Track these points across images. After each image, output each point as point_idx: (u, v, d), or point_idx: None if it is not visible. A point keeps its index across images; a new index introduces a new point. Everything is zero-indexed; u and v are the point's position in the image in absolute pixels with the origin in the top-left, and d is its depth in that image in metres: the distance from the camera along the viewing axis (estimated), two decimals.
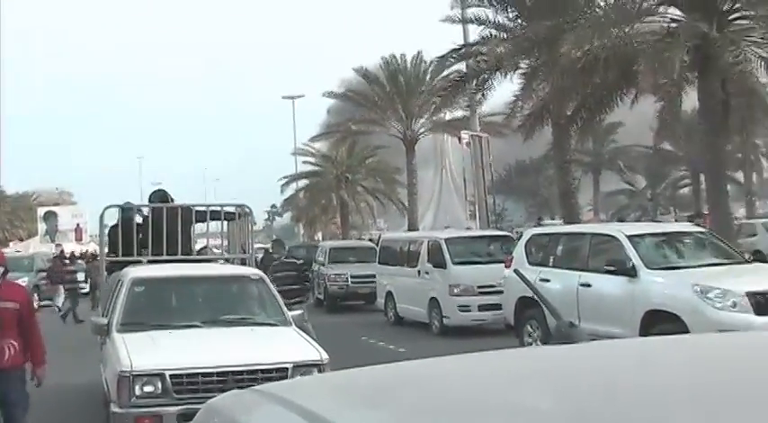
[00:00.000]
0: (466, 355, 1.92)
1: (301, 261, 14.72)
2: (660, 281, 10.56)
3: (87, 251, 40.70)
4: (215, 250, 13.64)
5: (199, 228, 12.25)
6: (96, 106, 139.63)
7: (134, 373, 7.22)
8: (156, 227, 10.43)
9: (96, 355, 9.54)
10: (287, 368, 7.29)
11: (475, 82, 24.21)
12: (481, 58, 23.73)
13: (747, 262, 11.82)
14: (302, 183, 47.77)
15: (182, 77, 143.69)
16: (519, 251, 13.45)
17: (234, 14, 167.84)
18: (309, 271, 14.39)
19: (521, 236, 15.02)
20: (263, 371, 7.17)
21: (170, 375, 7.22)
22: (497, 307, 13.94)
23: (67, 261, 27.92)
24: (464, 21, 24.62)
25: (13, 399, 6.86)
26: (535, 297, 3.31)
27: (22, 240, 58.31)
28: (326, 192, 45.06)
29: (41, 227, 58.60)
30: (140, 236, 10.81)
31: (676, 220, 33.70)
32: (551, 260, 12.77)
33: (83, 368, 11.20)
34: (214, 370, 7.28)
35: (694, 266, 11.05)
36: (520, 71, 22.90)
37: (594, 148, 47.84)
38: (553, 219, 44.63)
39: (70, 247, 47.16)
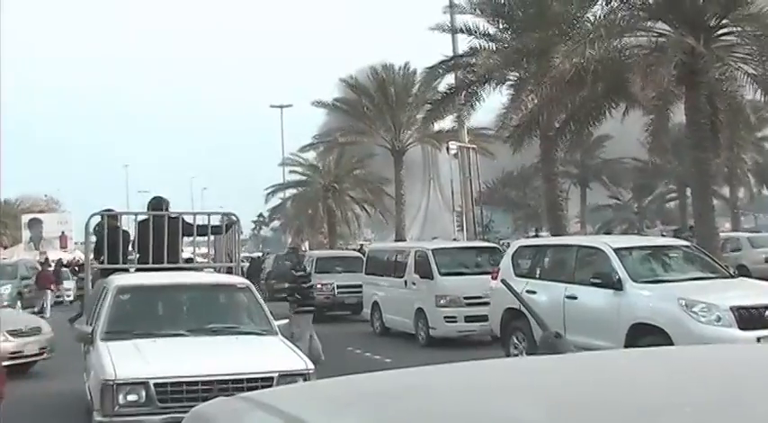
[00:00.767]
0: (452, 364, 1.92)
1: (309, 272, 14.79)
2: (646, 294, 10.60)
3: (75, 259, 40.53)
4: (200, 260, 13.62)
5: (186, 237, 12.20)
6: (82, 114, 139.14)
7: (118, 381, 7.18)
8: (143, 235, 10.39)
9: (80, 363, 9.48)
10: (272, 377, 7.27)
11: (464, 93, 24.31)
12: (470, 70, 23.83)
13: (732, 276, 11.89)
14: (290, 192, 47.72)
15: (169, 85, 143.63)
16: (506, 262, 13.48)
17: (223, 23, 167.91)
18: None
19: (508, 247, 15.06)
20: (248, 380, 7.14)
21: (154, 384, 7.18)
22: (484, 318, 13.94)
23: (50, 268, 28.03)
24: (453, 30, 24.74)
25: None
26: (522, 308, 3.32)
27: (6, 247, 57.91)
28: (314, 201, 45.03)
29: (26, 234, 58.25)
30: (128, 244, 10.78)
31: (662, 234, 33.84)
32: (538, 272, 12.81)
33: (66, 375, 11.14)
34: (199, 379, 7.25)
35: (680, 280, 11.11)
36: (509, 83, 23.01)
37: (582, 160, 48.06)
38: (540, 230, 44.79)
39: (56, 254, 46.90)
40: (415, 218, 61.48)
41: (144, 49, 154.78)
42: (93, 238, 11.35)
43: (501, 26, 23.64)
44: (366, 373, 1.95)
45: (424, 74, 29.47)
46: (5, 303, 20.34)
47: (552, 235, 22.79)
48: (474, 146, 26.47)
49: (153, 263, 10.19)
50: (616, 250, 11.29)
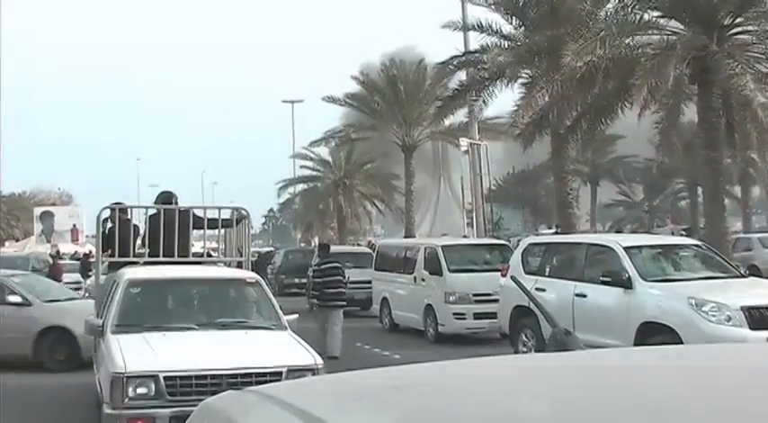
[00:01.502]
0: (461, 360, 1.92)
1: (339, 265, 14.92)
2: (655, 293, 10.57)
3: (90, 252, 40.73)
4: (212, 254, 13.66)
5: (196, 230, 12.24)
6: (95, 108, 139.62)
7: (127, 374, 7.21)
8: (154, 229, 10.42)
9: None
10: (281, 372, 7.29)
11: (475, 91, 24.28)
12: (482, 67, 23.78)
13: (743, 276, 11.84)
14: (300, 188, 47.78)
15: (181, 80, 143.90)
16: (515, 260, 13.46)
17: (235, 17, 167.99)
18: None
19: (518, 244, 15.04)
20: (257, 374, 7.16)
21: (164, 377, 7.21)
22: (493, 315, 13.93)
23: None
24: (465, 27, 24.69)
25: None
26: (531, 305, 3.32)
27: (18, 240, 58.24)
28: (324, 196, 45.06)
29: (38, 227, 58.56)
30: (138, 237, 10.82)
31: (672, 233, 33.71)
32: (547, 270, 12.78)
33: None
34: (208, 373, 7.28)
35: (690, 279, 11.07)
36: (521, 80, 22.95)
37: (593, 158, 47.93)
38: (550, 228, 44.66)
39: (67, 247, 47.15)
40: (425, 214, 61.45)
41: (156, 45, 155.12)
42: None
43: (514, 23, 23.59)
44: (375, 368, 1.95)
45: (436, 70, 29.43)
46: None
47: (562, 233, 22.75)
48: (485, 142, 26.41)
49: (163, 256, 10.22)
50: (626, 249, 11.26)
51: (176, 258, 10.25)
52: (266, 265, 30.23)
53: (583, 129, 21.78)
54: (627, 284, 10.72)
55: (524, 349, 12.24)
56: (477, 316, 15.29)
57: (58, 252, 40.18)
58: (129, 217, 11.11)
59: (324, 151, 44.07)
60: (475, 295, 15.49)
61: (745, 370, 1.67)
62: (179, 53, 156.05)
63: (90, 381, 9.19)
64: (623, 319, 10.52)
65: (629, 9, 19.05)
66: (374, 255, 20.56)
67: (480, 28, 24.01)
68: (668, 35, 18.94)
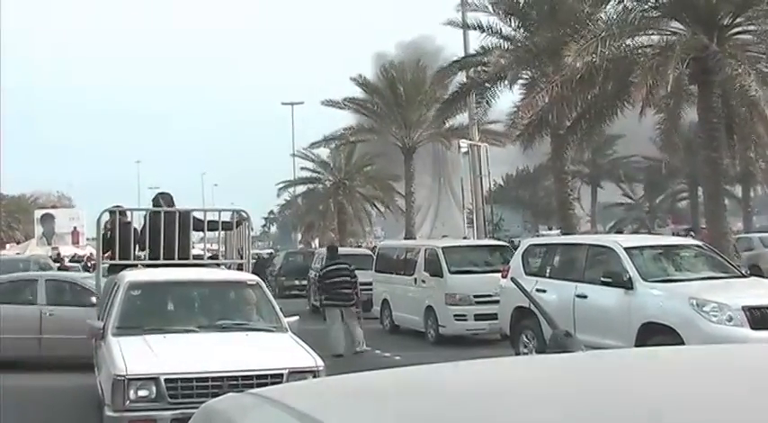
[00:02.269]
0: (462, 362, 1.92)
1: (352, 267, 15.46)
2: (656, 293, 10.57)
3: (91, 254, 40.75)
4: (219, 257, 13.66)
5: (196, 232, 12.25)
6: (95, 112, 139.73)
7: (129, 377, 7.21)
8: (154, 231, 10.42)
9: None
10: (282, 374, 7.29)
11: (475, 93, 24.30)
12: (482, 69, 23.80)
13: (744, 276, 11.83)
14: (300, 190, 47.81)
15: (181, 81, 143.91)
16: (516, 261, 13.46)
17: (236, 20, 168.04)
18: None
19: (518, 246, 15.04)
20: (258, 376, 7.16)
21: (165, 380, 7.22)
22: (493, 317, 13.92)
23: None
24: (465, 26, 24.70)
25: None
26: (532, 306, 3.32)
27: (18, 243, 58.23)
28: (324, 198, 45.06)
29: (38, 229, 58.54)
30: (138, 240, 10.81)
31: (674, 234, 33.70)
32: (548, 270, 12.78)
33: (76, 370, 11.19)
34: (209, 375, 7.28)
35: (691, 280, 11.06)
36: (521, 81, 22.96)
37: (593, 159, 47.95)
38: (551, 229, 44.68)
39: (68, 249, 47.16)
40: (425, 216, 61.47)
41: (157, 46, 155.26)
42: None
43: (514, 24, 23.61)
44: (375, 370, 1.95)
45: (436, 72, 29.46)
46: None
47: (563, 234, 22.74)
48: (485, 144, 26.39)
49: (164, 259, 10.23)
50: (627, 249, 11.25)
51: (177, 261, 10.25)
52: (266, 268, 30.22)
53: (583, 129, 21.79)
54: (628, 285, 10.71)
55: (525, 351, 12.23)
56: (478, 317, 15.29)
57: (58, 255, 40.20)
58: (129, 220, 11.12)
59: (324, 153, 44.11)
60: (475, 296, 15.49)
61: (747, 370, 1.67)
62: (180, 54, 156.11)
63: (91, 382, 9.19)
64: (624, 320, 10.51)
65: (629, 10, 19.06)
66: (374, 256, 20.56)
67: (480, 28, 24.04)
68: (668, 35, 18.94)
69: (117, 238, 10.51)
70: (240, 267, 10.88)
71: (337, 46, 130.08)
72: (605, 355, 2.17)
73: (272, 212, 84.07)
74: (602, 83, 19.17)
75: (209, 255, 13.16)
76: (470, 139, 26.09)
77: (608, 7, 20.53)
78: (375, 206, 43.95)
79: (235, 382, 7.04)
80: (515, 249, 15.03)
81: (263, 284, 9.31)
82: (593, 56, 18.01)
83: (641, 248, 11.75)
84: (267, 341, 8.25)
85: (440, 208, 67.42)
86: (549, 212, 47.68)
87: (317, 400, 1.69)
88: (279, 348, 7.99)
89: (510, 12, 23.41)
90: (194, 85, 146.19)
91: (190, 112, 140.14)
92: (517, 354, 12.12)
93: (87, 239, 52.66)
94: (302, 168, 45.79)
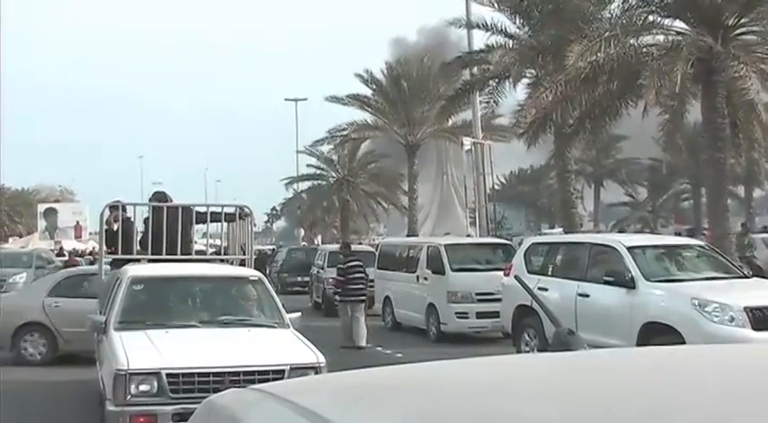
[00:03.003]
0: (464, 359, 1.92)
1: (361, 263, 16.30)
2: (658, 293, 10.57)
3: (94, 249, 40.82)
4: (228, 252, 13.68)
5: (199, 227, 12.29)
6: (98, 105, 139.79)
7: (130, 371, 7.22)
8: (157, 226, 10.44)
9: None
10: (284, 370, 7.30)
11: (480, 90, 24.28)
12: (487, 67, 23.78)
13: (746, 277, 11.82)
14: (304, 186, 47.77)
15: (184, 77, 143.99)
16: (518, 259, 13.46)
17: (239, 16, 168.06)
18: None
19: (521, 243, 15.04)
20: (259, 372, 7.17)
21: (166, 375, 7.23)
22: (495, 315, 13.93)
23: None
24: (469, 26, 24.68)
25: None
26: (534, 304, 3.32)
27: (21, 237, 58.31)
28: (328, 195, 45.03)
29: (41, 223, 58.58)
30: (140, 235, 10.84)
31: (676, 234, 33.67)
32: (550, 269, 12.78)
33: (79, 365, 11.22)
34: (210, 370, 7.29)
35: (693, 280, 11.06)
36: (525, 80, 22.94)
37: (597, 158, 47.90)
38: (552, 227, 44.65)
39: (70, 244, 47.21)
40: (428, 213, 61.38)
41: (160, 42, 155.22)
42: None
43: (518, 23, 23.59)
44: (377, 367, 1.96)
45: (439, 69, 29.41)
46: None
47: (565, 233, 22.72)
48: (488, 141, 26.36)
49: (166, 254, 10.25)
50: (629, 249, 11.25)
51: (179, 256, 10.27)
52: (265, 264, 30.22)
53: (587, 129, 21.75)
54: (630, 284, 10.71)
55: (527, 349, 12.24)
56: (480, 315, 15.30)
57: (61, 249, 40.25)
58: (130, 215, 11.16)
59: (328, 150, 44.05)
60: (477, 294, 15.49)
61: (749, 371, 1.67)
62: (182, 50, 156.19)
63: (93, 377, 9.21)
64: (626, 319, 10.51)
65: (634, 9, 19.02)
66: (377, 253, 20.56)
67: (485, 26, 24.01)
68: (673, 36, 18.90)
69: (121, 233, 10.54)
70: (243, 263, 10.89)
71: (344, 44, 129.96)
72: (607, 354, 2.17)
73: (274, 209, 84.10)
74: (606, 82, 19.13)
75: (212, 250, 13.19)
76: (474, 137, 26.06)
77: (612, 6, 20.51)
78: (380, 203, 43.89)
79: (236, 378, 7.05)
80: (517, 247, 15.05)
81: (266, 280, 9.31)
82: (597, 55, 17.98)
83: (644, 248, 11.75)
84: (269, 337, 8.26)
85: (443, 206, 67.31)
86: (552, 211, 47.68)
87: (320, 396, 1.69)
88: (281, 344, 8.00)
89: (514, 10, 23.38)
90: (197, 81, 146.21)
91: (193, 108, 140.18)
92: (519, 352, 12.13)
93: (90, 234, 52.72)
94: (308, 165, 45.74)
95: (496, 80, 23.59)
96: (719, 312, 9.77)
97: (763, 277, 13.85)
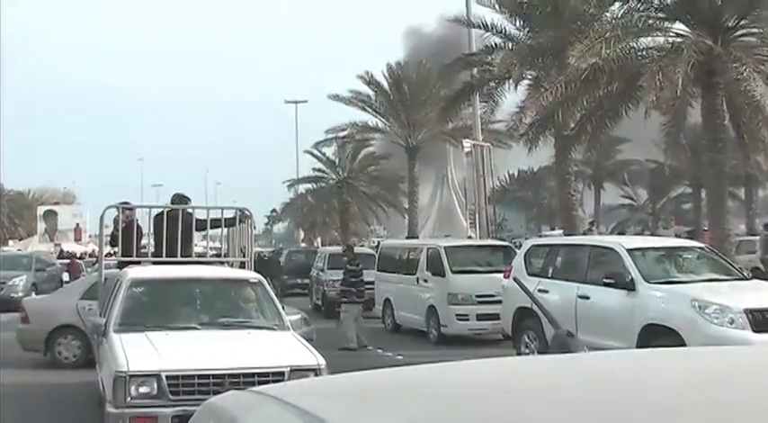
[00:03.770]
0: (464, 361, 1.92)
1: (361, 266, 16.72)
2: (658, 295, 10.56)
3: (94, 251, 40.82)
4: (229, 254, 13.71)
5: (198, 232, 12.30)
6: (99, 107, 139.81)
7: (130, 373, 7.22)
8: (158, 229, 10.47)
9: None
10: (284, 372, 7.29)
11: (480, 92, 24.29)
12: (487, 68, 23.78)
13: (746, 279, 11.81)
14: (303, 189, 47.77)
15: (184, 79, 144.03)
16: (518, 261, 13.46)
17: (240, 17, 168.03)
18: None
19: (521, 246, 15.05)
20: (259, 374, 7.17)
21: (166, 376, 7.22)
22: (495, 317, 13.93)
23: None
24: (469, 25, 24.69)
25: None
26: (534, 306, 3.32)
27: (21, 239, 58.32)
28: (328, 197, 45.03)
29: (41, 226, 58.62)
30: (142, 237, 10.86)
31: (676, 235, 33.67)
32: (550, 271, 12.77)
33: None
34: (210, 372, 7.29)
35: (693, 282, 11.05)
36: (526, 81, 22.94)
37: (597, 160, 47.84)
38: (553, 229, 44.63)
39: (69, 246, 47.24)
40: (428, 215, 61.38)
41: (159, 43, 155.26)
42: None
43: (518, 24, 23.59)
44: (377, 369, 1.95)
45: (440, 71, 29.43)
46: None
47: (565, 235, 22.71)
48: (488, 143, 26.34)
49: (166, 257, 10.26)
50: (629, 250, 11.25)
51: (180, 258, 10.28)
52: (269, 267, 30.12)
53: (587, 131, 21.75)
54: (630, 286, 10.71)
55: (527, 351, 12.23)
56: (480, 317, 15.29)
57: (61, 251, 40.27)
58: (131, 217, 11.17)
59: (329, 151, 44.07)
60: (477, 296, 15.49)
61: (749, 373, 1.67)
62: (182, 51, 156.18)
63: (93, 379, 9.20)
64: (626, 321, 10.51)
65: (634, 11, 19.03)
66: (377, 255, 20.56)
67: (485, 27, 24.02)
68: (673, 37, 18.91)
69: (134, 234, 10.59)
70: (243, 265, 10.89)
71: (343, 46, 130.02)
72: (607, 356, 2.17)
73: (274, 211, 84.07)
74: (606, 84, 19.13)
75: (213, 253, 13.24)
76: (474, 139, 26.05)
77: (613, 8, 20.51)
78: (380, 205, 43.88)
79: (236, 380, 7.04)
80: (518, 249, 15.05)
81: (266, 282, 9.31)
82: (598, 57, 17.99)
83: (644, 250, 11.75)
84: (269, 339, 8.25)
85: (443, 208, 67.31)
86: (553, 213, 47.67)
87: (320, 398, 1.69)
88: (280, 346, 7.99)
89: (513, 11, 23.39)
90: (198, 83, 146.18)
91: (193, 111, 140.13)
92: (519, 354, 12.12)
93: (90, 236, 52.74)
94: (313, 169, 45.66)
95: (496, 81, 23.60)
96: (719, 314, 9.76)
97: None
